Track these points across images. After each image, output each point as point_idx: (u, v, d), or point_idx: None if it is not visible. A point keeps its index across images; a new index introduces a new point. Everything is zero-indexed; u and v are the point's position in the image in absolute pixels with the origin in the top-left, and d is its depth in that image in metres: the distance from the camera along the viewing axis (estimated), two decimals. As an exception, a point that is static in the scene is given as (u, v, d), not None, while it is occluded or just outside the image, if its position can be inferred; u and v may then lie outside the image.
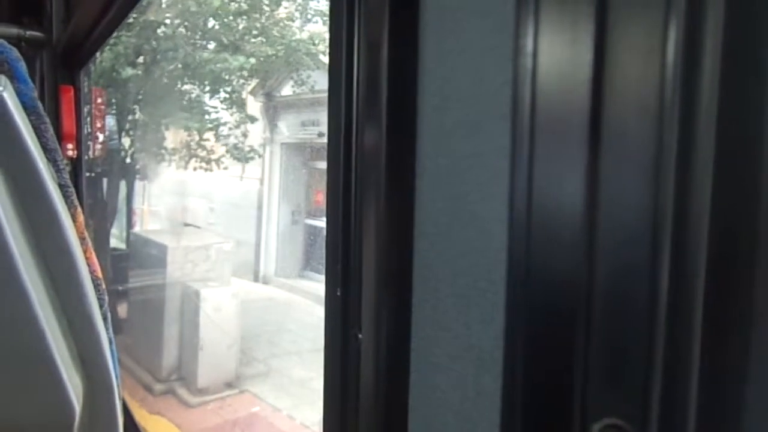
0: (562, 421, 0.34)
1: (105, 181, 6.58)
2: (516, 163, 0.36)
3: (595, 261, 0.33)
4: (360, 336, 0.52)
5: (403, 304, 0.48)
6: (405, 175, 0.47)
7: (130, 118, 6.86)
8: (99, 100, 5.60)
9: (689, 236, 0.30)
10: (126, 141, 6.86)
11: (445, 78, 0.45)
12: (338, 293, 0.56)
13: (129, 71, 6.39)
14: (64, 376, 0.90)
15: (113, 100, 6.77)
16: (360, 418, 0.53)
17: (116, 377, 1.04)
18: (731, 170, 0.30)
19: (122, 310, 5.71)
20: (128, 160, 6.94)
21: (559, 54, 0.33)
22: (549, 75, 0.34)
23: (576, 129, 0.33)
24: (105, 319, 1.07)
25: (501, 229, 0.39)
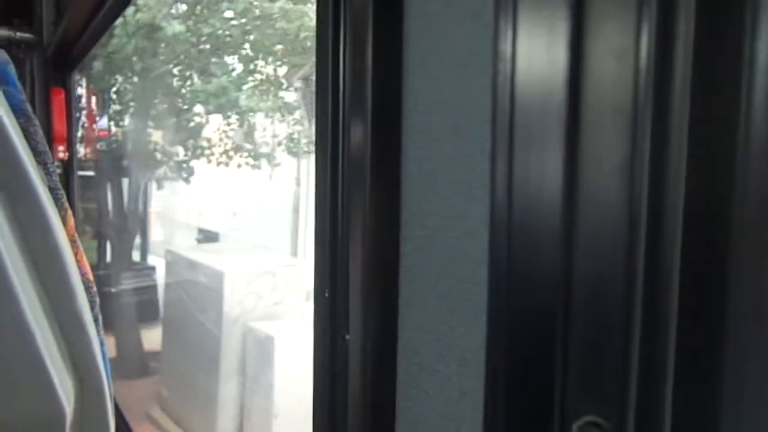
0: (544, 419, 0.35)
1: (126, 182, 5.82)
2: (496, 164, 0.36)
3: (573, 261, 0.33)
4: (347, 337, 0.53)
5: (390, 305, 0.49)
6: (390, 176, 0.48)
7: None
8: (93, 101, 5.58)
9: (664, 235, 0.30)
10: (155, 134, 5.94)
11: (429, 81, 0.45)
12: (326, 294, 0.56)
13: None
14: (55, 378, 0.90)
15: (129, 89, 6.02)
16: (348, 419, 0.54)
17: (108, 379, 1.04)
18: (704, 169, 0.30)
19: (160, 360, 4.62)
20: (157, 157, 5.99)
21: (536, 58, 0.34)
22: (527, 78, 0.34)
23: (554, 130, 0.33)
24: (96, 321, 1.07)
25: (485, 230, 0.39)
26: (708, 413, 0.31)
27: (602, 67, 0.31)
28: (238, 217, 6.77)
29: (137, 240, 5.92)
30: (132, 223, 5.81)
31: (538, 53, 0.33)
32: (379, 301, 0.50)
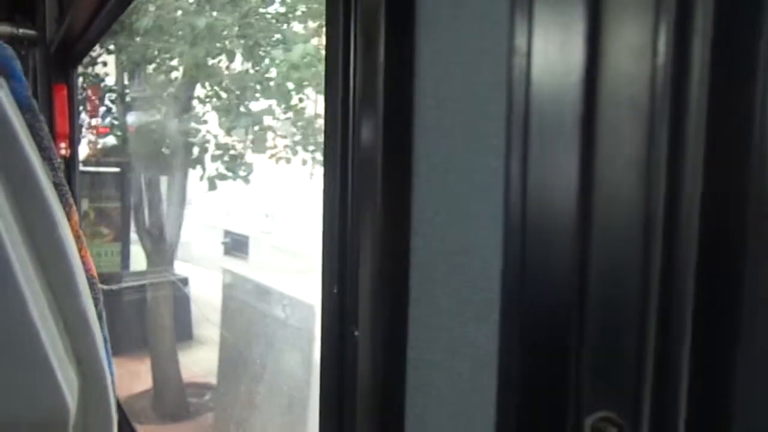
0: (556, 415, 0.35)
1: (165, 179, 5.04)
2: (510, 162, 0.36)
3: (589, 258, 0.33)
4: (356, 333, 0.53)
5: (400, 301, 0.49)
6: (401, 173, 0.48)
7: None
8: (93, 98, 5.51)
9: (680, 234, 0.31)
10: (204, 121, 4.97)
11: (441, 78, 0.45)
12: (335, 291, 0.56)
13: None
14: (59, 374, 0.90)
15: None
16: (357, 415, 0.54)
17: (111, 376, 1.04)
18: (721, 166, 0.30)
19: (215, 401, 3.99)
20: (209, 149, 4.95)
21: (552, 54, 0.34)
22: (542, 75, 0.34)
23: (569, 128, 0.33)
24: (100, 317, 1.07)
25: (496, 227, 0.39)
26: (723, 410, 0.31)
27: (619, 63, 0.31)
28: (270, 219, 6.12)
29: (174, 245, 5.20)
30: (172, 227, 5.08)
31: (553, 49, 0.33)
32: (389, 296, 0.50)
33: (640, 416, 0.32)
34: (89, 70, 5.34)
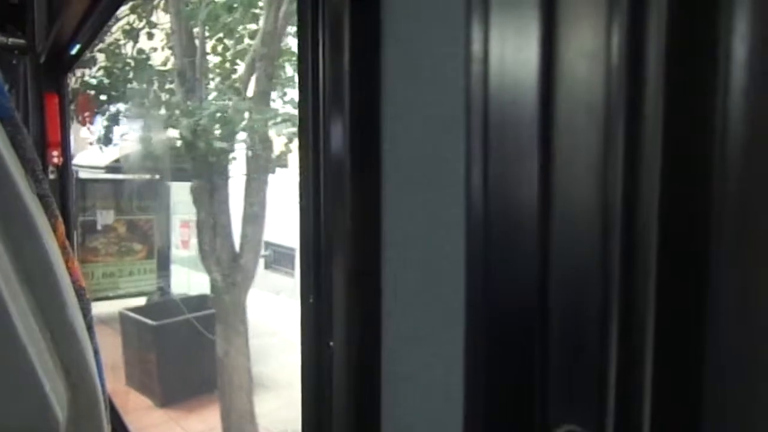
0: (523, 427, 0.34)
1: (229, 183, 4.17)
2: (471, 167, 0.36)
3: (549, 263, 0.33)
4: (332, 344, 0.52)
5: (374, 312, 0.48)
6: (371, 181, 0.47)
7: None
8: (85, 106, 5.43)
9: (639, 235, 0.30)
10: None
11: (407, 84, 0.44)
12: (311, 300, 0.56)
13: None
14: (47, 387, 0.89)
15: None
16: (334, 426, 0.53)
17: (102, 386, 1.04)
18: (680, 167, 0.29)
19: None
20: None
21: (508, 59, 0.33)
22: (500, 81, 0.33)
23: (527, 131, 0.32)
24: (89, 328, 1.06)
25: (461, 234, 0.39)
26: (688, 420, 0.30)
27: (574, 67, 0.31)
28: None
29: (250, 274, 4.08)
30: (248, 249, 3.90)
31: (510, 54, 0.33)
32: (363, 307, 0.49)
33: (605, 429, 0.31)
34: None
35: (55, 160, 2.09)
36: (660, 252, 0.29)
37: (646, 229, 0.29)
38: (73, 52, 1.99)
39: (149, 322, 4.98)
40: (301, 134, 0.56)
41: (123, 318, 5.28)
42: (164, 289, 5.51)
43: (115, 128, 5.66)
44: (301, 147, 0.57)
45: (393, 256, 0.47)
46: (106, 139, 5.76)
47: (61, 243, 1.04)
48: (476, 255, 0.36)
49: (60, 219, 1.08)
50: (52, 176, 2.06)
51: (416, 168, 0.44)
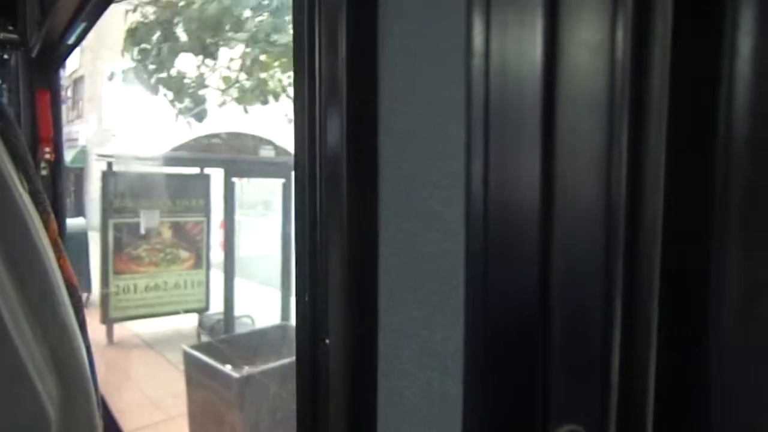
0: (523, 427, 0.34)
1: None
2: (471, 162, 0.35)
3: (552, 262, 0.32)
4: (327, 341, 0.51)
5: (370, 309, 0.48)
6: (368, 178, 0.47)
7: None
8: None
9: (643, 232, 0.29)
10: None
11: (405, 80, 0.44)
12: (306, 298, 0.55)
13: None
14: (38, 385, 0.88)
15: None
16: (329, 423, 0.52)
17: (94, 384, 1.03)
18: (684, 162, 0.29)
19: None
20: None
21: (510, 52, 0.32)
22: (501, 74, 0.33)
23: (529, 126, 0.32)
24: (81, 326, 1.05)
25: (461, 231, 0.38)
26: (690, 420, 0.30)
27: (578, 60, 0.30)
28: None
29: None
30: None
31: (512, 48, 0.32)
32: (359, 304, 0.48)
33: (606, 429, 0.31)
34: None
35: (48, 156, 2.07)
36: (664, 249, 0.29)
37: (650, 224, 0.29)
38: (69, 42, 1.97)
39: (231, 374, 3.29)
40: (297, 128, 0.56)
41: (189, 360, 3.61)
42: (229, 316, 4.18)
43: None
44: (296, 141, 0.57)
45: (389, 252, 0.46)
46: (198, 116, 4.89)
47: (53, 240, 1.03)
48: (476, 251, 0.35)
49: (52, 216, 1.07)
50: (44, 172, 2.04)
51: (414, 163, 0.43)
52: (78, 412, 0.98)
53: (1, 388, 0.86)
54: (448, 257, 0.41)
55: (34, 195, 1.01)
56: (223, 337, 4.21)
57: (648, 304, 0.29)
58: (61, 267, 1.03)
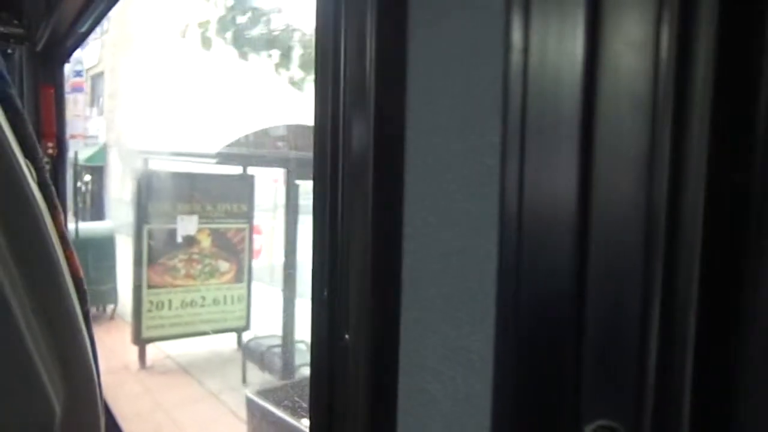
0: (554, 423, 0.34)
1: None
2: (507, 160, 0.35)
3: (588, 261, 0.32)
4: (347, 337, 0.51)
5: (392, 305, 0.47)
6: (393, 173, 0.46)
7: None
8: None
9: (683, 233, 0.29)
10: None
11: (434, 74, 0.44)
12: (324, 294, 0.55)
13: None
14: (44, 376, 0.88)
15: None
16: (347, 421, 0.52)
17: (98, 377, 1.02)
18: (726, 164, 0.29)
19: None
20: None
21: (550, 49, 0.32)
22: (540, 70, 0.33)
23: (568, 126, 0.32)
24: (86, 319, 1.05)
25: (491, 227, 0.38)
26: (726, 419, 0.30)
27: (620, 58, 0.30)
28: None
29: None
30: None
31: (552, 44, 0.32)
32: (381, 300, 0.48)
33: (642, 426, 0.31)
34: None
35: (51, 151, 2.07)
36: (704, 249, 0.29)
37: (690, 227, 0.29)
38: (75, 37, 1.97)
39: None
40: (318, 123, 0.56)
41: (255, 411, 3.14)
42: (289, 345, 3.42)
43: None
44: (316, 141, 0.56)
45: (414, 248, 0.46)
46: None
47: (60, 233, 1.03)
48: (510, 250, 0.35)
49: (59, 209, 1.07)
50: (47, 167, 2.03)
51: (442, 160, 0.43)
52: (82, 404, 0.97)
53: (7, 378, 0.86)
54: (475, 253, 0.40)
55: (41, 187, 1.01)
56: (296, 381, 3.51)
57: (687, 304, 0.29)
58: (68, 259, 1.02)
